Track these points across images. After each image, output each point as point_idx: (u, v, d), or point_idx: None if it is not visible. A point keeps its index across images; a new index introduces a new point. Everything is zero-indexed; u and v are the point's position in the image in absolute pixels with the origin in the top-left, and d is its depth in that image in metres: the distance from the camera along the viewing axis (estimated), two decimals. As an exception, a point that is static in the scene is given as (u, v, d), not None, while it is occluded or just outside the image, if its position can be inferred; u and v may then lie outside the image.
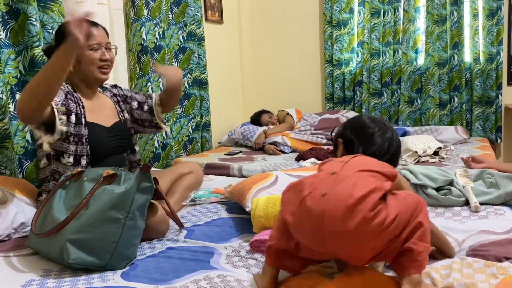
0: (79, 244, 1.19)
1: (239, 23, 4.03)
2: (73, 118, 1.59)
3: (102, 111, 1.75)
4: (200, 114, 3.37)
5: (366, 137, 1.22)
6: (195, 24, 3.23)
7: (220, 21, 3.70)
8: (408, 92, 3.68)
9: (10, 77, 1.98)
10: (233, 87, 4.01)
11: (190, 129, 3.26)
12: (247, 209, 1.52)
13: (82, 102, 1.66)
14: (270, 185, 1.60)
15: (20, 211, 1.56)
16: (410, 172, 1.76)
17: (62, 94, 1.59)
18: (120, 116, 1.84)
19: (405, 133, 3.21)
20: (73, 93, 1.66)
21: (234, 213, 1.72)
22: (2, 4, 1.96)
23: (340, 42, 3.81)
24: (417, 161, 2.57)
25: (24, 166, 2.02)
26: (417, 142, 2.74)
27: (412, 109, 3.68)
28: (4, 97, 1.90)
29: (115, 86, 1.97)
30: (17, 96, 2.00)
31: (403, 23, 3.65)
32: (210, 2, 3.54)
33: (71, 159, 1.59)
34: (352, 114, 3.66)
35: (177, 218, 1.51)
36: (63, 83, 1.66)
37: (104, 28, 1.79)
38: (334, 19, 3.79)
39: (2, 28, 1.97)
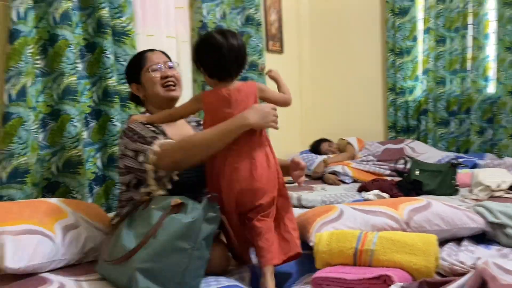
0: (147, 274, 1.20)
1: (299, 52, 4.06)
2: None
3: (178, 133, 1.64)
4: (260, 142, 3.38)
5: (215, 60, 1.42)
6: (256, 55, 3.28)
7: (281, 51, 3.75)
8: (479, 122, 3.49)
9: (85, 106, 2.11)
10: (292, 116, 4.01)
11: (250, 157, 3.27)
12: (310, 244, 1.48)
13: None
14: (334, 219, 1.55)
15: (91, 236, 1.61)
16: (486, 209, 1.64)
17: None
18: None
19: (475, 165, 3.03)
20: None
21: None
22: (81, 39, 2.10)
23: (404, 70, 3.72)
24: (490, 196, 2.40)
25: (94, 191, 2.11)
26: (490, 175, 2.57)
27: (483, 140, 3.48)
28: (79, 125, 2.02)
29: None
30: (92, 124, 2.12)
31: (472, 51, 3.50)
32: (271, 33, 3.61)
33: (148, 189, 1.52)
34: (418, 144, 3.49)
35: (241, 253, 1.49)
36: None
37: (162, 51, 1.76)
38: (397, 47, 3.72)
39: (81, 60, 2.11)
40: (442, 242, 1.52)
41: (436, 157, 3.23)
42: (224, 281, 1.39)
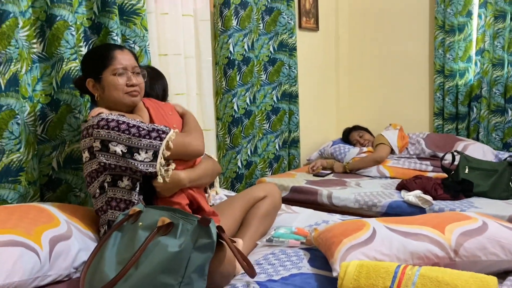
0: (125, 314, 1.00)
1: (336, 29, 3.69)
2: None
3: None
4: (289, 130, 3.11)
5: None
6: (287, 33, 2.98)
7: (315, 28, 3.40)
8: (541, 111, 3.05)
9: (88, 96, 1.90)
10: (326, 100, 3.69)
11: (277, 146, 3.02)
12: (334, 274, 1.22)
13: None
14: (365, 242, 1.28)
15: (84, 248, 1.43)
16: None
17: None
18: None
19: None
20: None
21: (318, 267, 1.42)
22: (85, 19, 1.89)
23: (454, 50, 3.29)
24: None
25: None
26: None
27: (545, 132, 3.05)
28: (82, 117, 1.82)
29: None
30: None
31: (537, 28, 3.03)
32: (305, 8, 3.27)
33: (130, 182, 1.44)
34: (477, 146, 2.93)
35: (246, 267, 1.25)
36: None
37: (131, 51, 1.64)
38: (448, 24, 3.28)
39: (85, 43, 1.89)
40: (501, 275, 1.22)
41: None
42: None
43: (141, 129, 1.42)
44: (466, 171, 2.36)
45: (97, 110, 1.51)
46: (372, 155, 2.94)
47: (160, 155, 1.40)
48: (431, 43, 3.47)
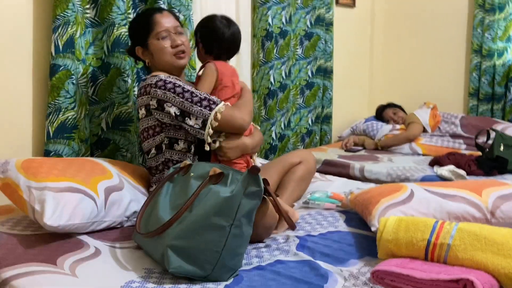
0: (180, 252, 1.08)
1: (372, 6, 3.67)
2: None
3: None
4: (322, 105, 3.14)
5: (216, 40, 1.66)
6: (324, 8, 2.99)
7: (352, 4, 3.40)
8: None
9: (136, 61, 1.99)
10: (360, 77, 3.69)
11: (310, 121, 3.06)
12: (373, 229, 1.28)
13: None
14: (403, 201, 1.33)
15: (134, 199, 1.53)
16: None
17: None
18: None
19: None
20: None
21: (355, 227, 1.48)
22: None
23: (494, 29, 3.23)
24: None
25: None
26: None
27: None
28: (130, 81, 1.91)
29: None
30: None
31: None
32: (343, -16, 3.26)
33: (186, 145, 1.53)
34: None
35: (289, 219, 1.33)
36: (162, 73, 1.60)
37: (171, 12, 1.70)
38: (488, 2, 3.21)
39: (133, 10, 1.97)
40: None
41: None
42: (267, 255, 1.28)
43: (194, 95, 1.48)
44: (501, 148, 2.35)
45: (156, 73, 1.59)
46: (405, 133, 2.96)
47: (208, 125, 1.46)
48: (469, 21, 3.40)
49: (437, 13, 3.52)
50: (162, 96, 1.48)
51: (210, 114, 1.46)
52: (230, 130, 1.55)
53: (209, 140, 1.49)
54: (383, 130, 3.08)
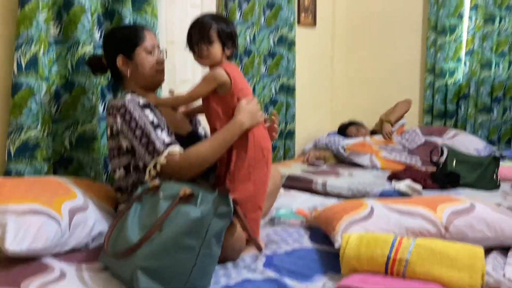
0: (150, 273, 1.09)
1: (333, 27, 3.81)
2: None
3: (171, 118, 1.65)
4: (285, 121, 3.21)
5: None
6: (287, 28, 3.08)
7: (313, 24, 3.52)
8: (525, 111, 3.21)
9: (102, 78, 1.98)
10: (322, 95, 3.81)
11: (274, 137, 3.12)
12: (336, 245, 1.33)
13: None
14: (364, 218, 1.39)
15: (99, 220, 1.51)
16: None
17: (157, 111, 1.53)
18: (195, 125, 1.77)
19: (519, 159, 2.79)
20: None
21: (319, 243, 1.53)
22: (99, 5, 1.96)
23: (445, 50, 3.44)
24: (537, 196, 2.19)
25: (109, 168, 2.01)
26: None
27: (528, 131, 3.21)
28: (94, 99, 1.90)
29: None
30: (109, 97, 2.00)
31: (524, 31, 3.19)
32: (304, 5, 3.38)
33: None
34: (462, 138, 3.14)
35: (256, 241, 1.36)
36: (128, 92, 1.59)
37: (153, 32, 1.73)
38: (440, 25, 3.43)
39: (98, 29, 1.97)
40: (486, 251, 1.34)
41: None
42: (235, 274, 1.30)
43: (144, 135, 1.42)
44: (454, 164, 2.49)
45: (130, 88, 1.61)
46: (401, 107, 3.27)
47: (147, 171, 1.41)
48: (423, 43, 3.61)
49: (394, 33, 3.71)
50: (120, 126, 1.47)
51: (150, 162, 1.42)
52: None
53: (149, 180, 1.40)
54: (348, 140, 3.18)
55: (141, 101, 1.51)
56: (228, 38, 1.51)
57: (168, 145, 1.42)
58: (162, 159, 1.39)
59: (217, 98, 1.51)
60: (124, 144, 1.49)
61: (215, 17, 1.53)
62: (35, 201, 1.38)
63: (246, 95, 1.53)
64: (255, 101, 1.54)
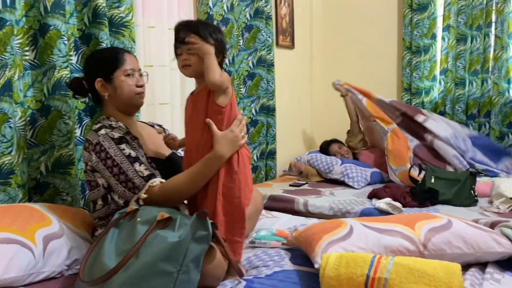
0: (126, 300, 1.06)
1: (310, 48, 3.88)
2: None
3: (151, 141, 1.65)
4: (266, 142, 3.23)
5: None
6: (265, 50, 3.12)
7: (291, 46, 3.58)
8: (499, 126, 3.30)
9: (79, 102, 1.97)
10: (302, 115, 3.85)
11: (255, 157, 3.13)
12: (316, 266, 1.33)
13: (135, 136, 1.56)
14: (343, 237, 1.39)
15: (75, 246, 1.48)
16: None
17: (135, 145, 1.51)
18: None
19: (496, 175, 2.85)
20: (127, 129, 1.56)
21: (299, 264, 1.52)
22: (76, 29, 1.96)
23: (420, 70, 3.53)
24: (513, 210, 2.23)
25: (86, 193, 1.98)
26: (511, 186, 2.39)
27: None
28: (71, 123, 1.88)
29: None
30: (86, 121, 1.98)
31: (495, 51, 3.30)
32: (282, 27, 3.44)
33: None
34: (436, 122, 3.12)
35: (236, 267, 1.35)
36: (104, 120, 1.58)
37: (134, 56, 1.71)
38: (414, 45, 3.52)
39: (75, 53, 1.97)
40: (464, 267, 1.35)
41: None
42: None
43: (122, 172, 1.42)
44: (432, 180, 2.53)
45: (107, 114, 1.60)
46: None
47: (130, 205, 1.40)
48: (399, 62, 3.70)
49: (371, 54, 3.79)
50: (95, 164, 1.46)
51: (132, 197, 1.42)
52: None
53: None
54: (328, 160, 3.19)
55: (116, 134, 1.48)
56: (221, 48, 1.47)
57: (148, 178, 1.42)
58: (143, 195, 1.40)
59: (213, 111, 1.44)
60: (100, 182, 1.48)
61: (214, 29, 1.48)
62: (7, 230, 1.35)
63: (236, 110, 1.50)
64: (232, 128, 1.46)
